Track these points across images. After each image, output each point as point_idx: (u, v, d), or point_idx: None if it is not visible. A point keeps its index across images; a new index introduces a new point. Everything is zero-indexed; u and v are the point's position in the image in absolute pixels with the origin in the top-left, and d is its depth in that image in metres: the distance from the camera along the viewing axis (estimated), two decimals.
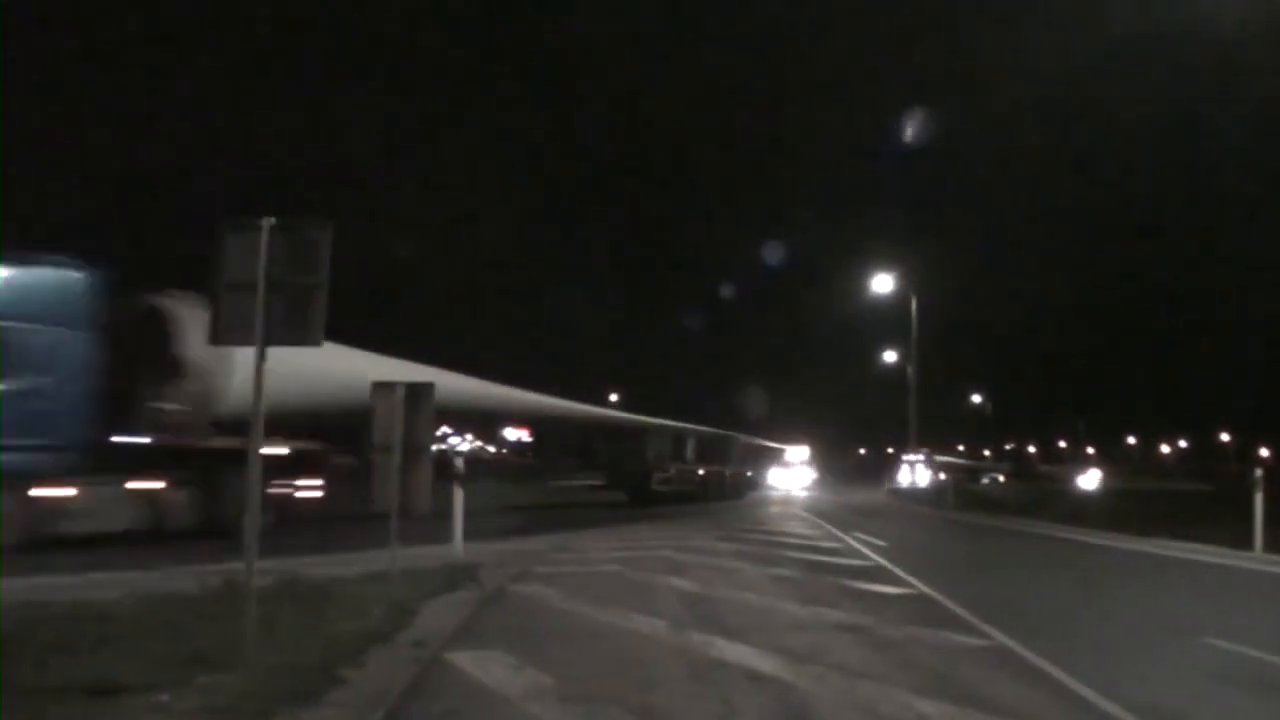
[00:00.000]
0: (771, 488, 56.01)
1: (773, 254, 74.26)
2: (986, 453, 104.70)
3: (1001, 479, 74.23)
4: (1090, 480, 63.27)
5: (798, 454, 64.60)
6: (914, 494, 49.41)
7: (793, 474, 60.34)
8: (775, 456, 63.82)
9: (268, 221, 6.84)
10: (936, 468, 79.25)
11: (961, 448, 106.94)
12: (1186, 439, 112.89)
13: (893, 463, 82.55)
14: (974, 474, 75.42)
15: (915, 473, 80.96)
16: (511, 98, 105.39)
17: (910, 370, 44.07)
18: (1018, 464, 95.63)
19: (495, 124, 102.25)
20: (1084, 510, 29.91)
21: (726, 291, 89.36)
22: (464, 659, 7.23)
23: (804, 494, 50.49)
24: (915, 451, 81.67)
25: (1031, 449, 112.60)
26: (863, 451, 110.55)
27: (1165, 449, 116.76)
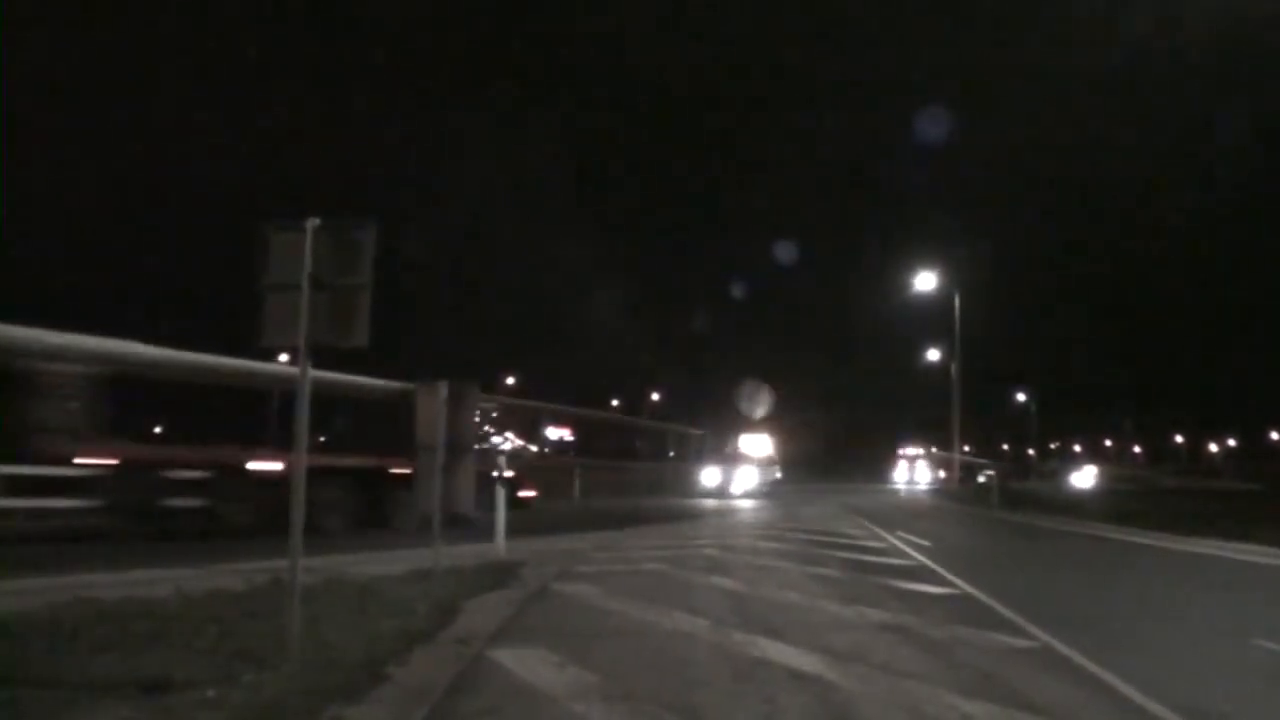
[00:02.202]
0: (705, 489, 43.42)
1: (784, 252, 72.57)
2: (1031, 451, 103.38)
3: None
4: (1085, 478, 60.59)
5: (755, 445, 48.61)
6: (950, 493, 48.41)
7: (740, 473, 45.03)
8: (713, 447, 50.92)
9: (312, 223, 6.90)
10: (937, 464, 77.08)
11: (1006, 446, 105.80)
12: (1235, 438, 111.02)
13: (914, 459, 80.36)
14: (970, 471, 72.75)
15: (915, 470, 78.58)
16: (515, 98, 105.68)
17: (954, 368, 43.80)
18: (1010, 463, 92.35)
19: (497, 124, 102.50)
20: (1130, 510, 29.48)
21: (738, 291, 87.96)
22: (507, 657, 7.25)
23: (750, 503, 37.06)
24: (915, 446, 79.62)
25: (1077, 447, 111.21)
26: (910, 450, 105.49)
27: (1214, 448, 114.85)
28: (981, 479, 58.37)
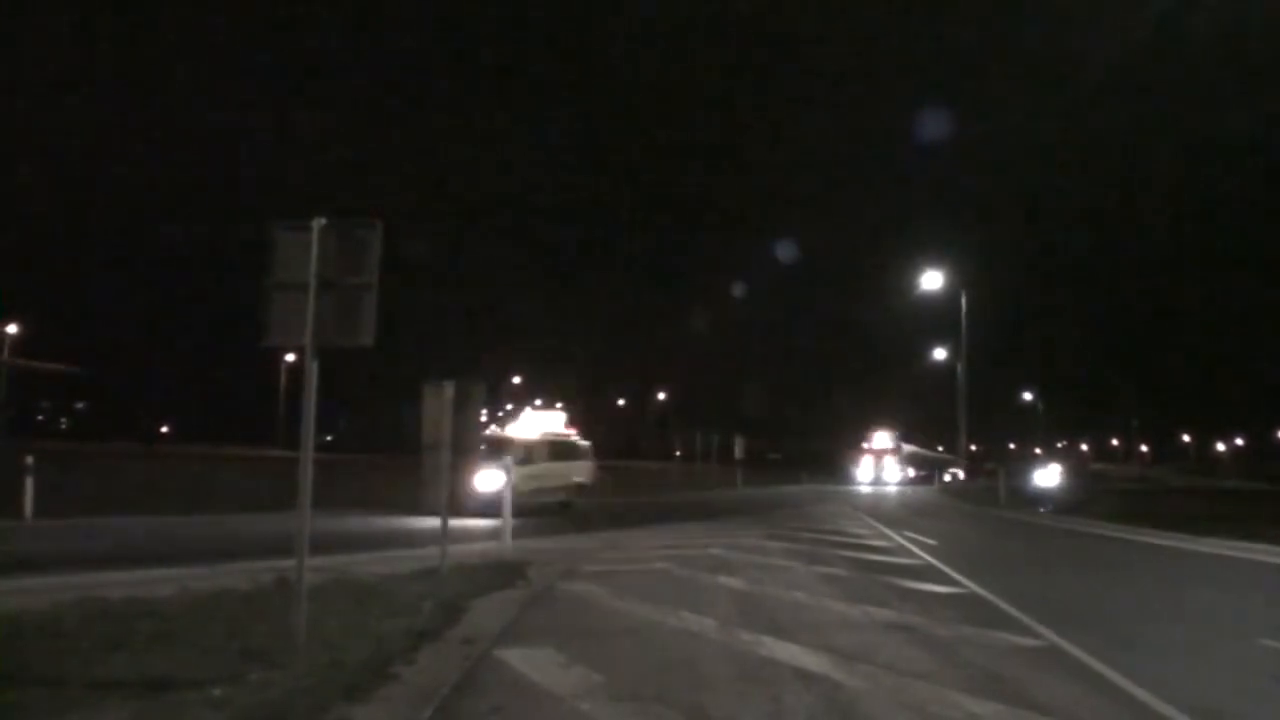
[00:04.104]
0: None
1: (784, 250, 71.44)
2: (1038, 450, 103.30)
3: (962, 475, 62.06)
4: (1049, 477, 58.58)
5: (531, 430, 26.93)
6: (956, 491, 47.83)
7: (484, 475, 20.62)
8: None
9: (318, 222, 6.91)
10: (906, 461, 73.63)
11: (1013, 445, 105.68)
12: (1243, 437, 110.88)
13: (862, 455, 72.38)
14: (940, 468, 69.20)
15: (883, 467, 73.00)
16: (518, 100, 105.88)
17: (960, 368, 43.71)
18: (973, 461, 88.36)
19: (498, 126, 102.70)
20: (1136, 509, 29.44)
21: (739, 290, 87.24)
22: (513, 656, 7.25)
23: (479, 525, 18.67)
24: (884, 439, 74.36)
25: (1084, 446, 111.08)
26: (941, 449, 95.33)
27: (1221, 447, 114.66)
28: (948, 477, 57.51)
